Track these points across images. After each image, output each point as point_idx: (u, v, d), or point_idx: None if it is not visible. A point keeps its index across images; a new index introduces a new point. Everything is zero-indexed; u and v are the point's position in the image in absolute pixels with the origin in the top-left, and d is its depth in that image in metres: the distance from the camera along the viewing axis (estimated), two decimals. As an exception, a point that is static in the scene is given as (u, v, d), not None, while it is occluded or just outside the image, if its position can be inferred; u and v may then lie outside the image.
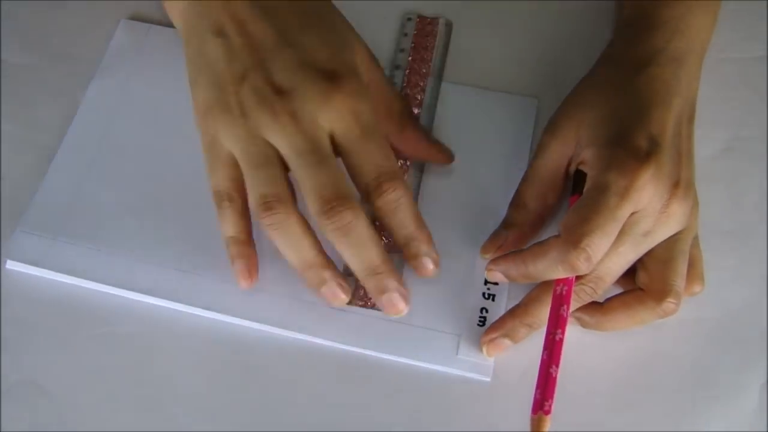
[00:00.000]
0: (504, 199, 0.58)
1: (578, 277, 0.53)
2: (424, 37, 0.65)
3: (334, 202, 0.50)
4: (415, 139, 0.59)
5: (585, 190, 0.52)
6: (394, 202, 0.52)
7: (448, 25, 0.66)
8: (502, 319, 0.54)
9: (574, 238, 0.51)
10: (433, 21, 0.66)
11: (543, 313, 0.53)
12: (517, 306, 0.54)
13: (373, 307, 0.55)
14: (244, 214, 0.54)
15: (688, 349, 0.55)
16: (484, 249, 0.56)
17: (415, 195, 0.59)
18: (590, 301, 0.54)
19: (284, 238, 0.52)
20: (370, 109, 0.53)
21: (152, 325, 0.55)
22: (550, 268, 0.52)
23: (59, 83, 0.63)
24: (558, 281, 0.53)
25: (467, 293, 0.56)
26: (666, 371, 0.55)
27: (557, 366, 0.51)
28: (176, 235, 0.58)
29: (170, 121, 0.61)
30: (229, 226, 0.54)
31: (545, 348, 0.51)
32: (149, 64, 0.63)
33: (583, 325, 0.55)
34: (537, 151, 0.57)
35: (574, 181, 0.55)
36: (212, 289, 0.56)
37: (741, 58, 0.61)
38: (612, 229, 0.51)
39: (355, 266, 0.52)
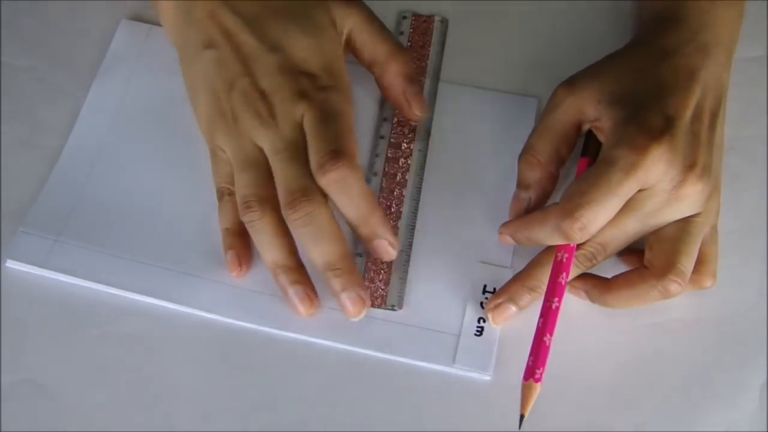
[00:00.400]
0: (504, 200, 0.58)
1: (580, 244, 0.53)
2: (420, 35, 0.65)
3: (297, 194, 0.53)
4: (395, 84, 0.59)
5: (596, 162, 0.53)
6: (339, 181, 0.53)
7: (444, 23, 0.66)
8: (507, 285, 0.55)
9: (570, 207, 0.51)
10: (428, 19, 0.66)
11: (546, 276, 0.53)
12: (521, 270, 0.55)
13: (379, 306, 0.55)
14: None
15: (688, 349, 0.55)
16: (511, 214, 0.57)
17: (416, 195, 0.59)
18: (589, 267, 0.54)
19: (259, 237, 0.54)
20: (343, 96, 0.56)
21: (152, 325, 0.55)
22: (548, 234, 0.53)
23: (60, 84, 0.63)
24: (559, 248, 0.53)
25: (467, 293, 0.56)
26: (666, 371, 0.55)
27: (551, 334, 0.51)
28: (177, 237, 0.58)
29: (171, 121, 0.61)
30: (226, 218, 0.57)
31: (541, 315, 0.52)
32: (150, 64, 0.64)
33: (592, 299, 0.55)
34: (549, 106, 0.56)
35: (585, 142, 0.55)
36: (213, 291, 0.56)
37: (741, 58, 0.60)
38: (611, 204, 0.51)
39: (316, 260, 0.54)
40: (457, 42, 0.65)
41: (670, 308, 0.56)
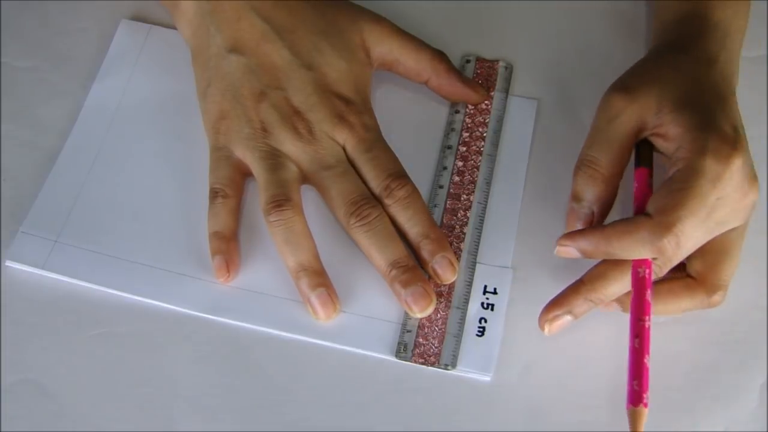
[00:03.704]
0: (504, 200, 0.58)
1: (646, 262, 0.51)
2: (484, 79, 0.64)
3: (361, 203, 0.55)
4: (449, 82, 0.62)
5: (677, 171, 0.51)
6: (405, 198, 0.56)
7: (509, 68, 0.65)
8: (564, 297, 0.52)
9: (668, 221, 0.49)
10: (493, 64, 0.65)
11: (608, 289, 0.52)
12: (580, 283, 0.52)
13: (432, 365, 0.54)
14: (234, 213, 0.57)
15: (688, 349, 0.55)
16: (570, 228, 0.54)
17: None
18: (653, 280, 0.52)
19: (286, 236, 0.55)
20: (375, 121, 0.59)
21: (152, 325, 0.55)
22: (635, 247, 0.50)
23: (60, 85, 0.63)
24: (638, 264, 0.51)
25: (467, 299, 0.56)
26: (666, 371, 0.55)
27: (648, 354, 0.50)
28: (177, 238, 0.58)
29: (171, 122, 0.61)
30: (216, 221, 0.56)
31: (635, 335, 0.50)
32: (150, 64, 0.64)
33: (625, 310, 0.53)
34: (606, 114, 0.53)
35: (639, 153, 0.54)
36: (212, 293, 0.56)
37: (741, 58, 0.61)
38: (704, 216, 0.50)
39: (381, 262, 0.55)
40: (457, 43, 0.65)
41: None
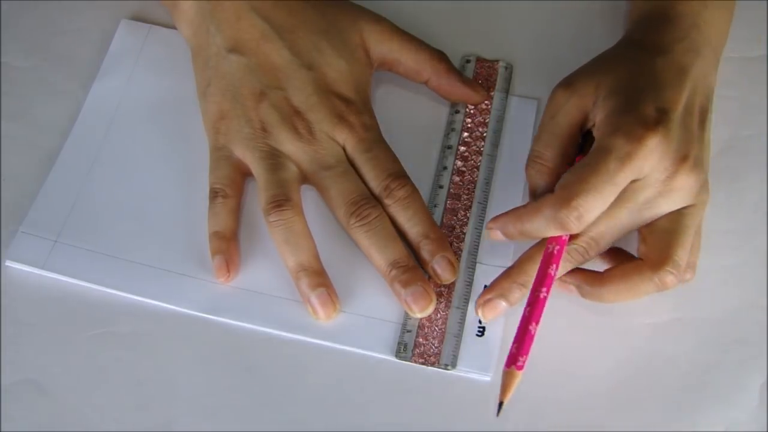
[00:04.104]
0: (504, 200, 0.58)
1: (572, 237, 0.52)
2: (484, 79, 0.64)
3: (361, 203, 0.55)
4: (449, 82, 0.62)
5: (589, 152, 0.52)
6: (405, 198, 0.56)
7: (509, 68, 0.65)
8: (497, 281, 0.54)
9: (567, 195, 0.51)
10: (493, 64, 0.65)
11: (536, 271, 0.53)
12: (511, 266, 0.54)
13: (433, 365, 0.55)
14: (234, 213, 0.57)
15: (688, 349, 0.55)
16: (495, 217, 0.55)
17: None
18: (581, 263, 0.54)
19: (286, 236, 0.55)
20: (375, 121, 0.59)
21: (152, 325, 0.55)
22: (543, 225, 0.52)
23: (60, 85, 0.63)
24: (550, 240, 0.52)
25: (467, 299, 0.56)
26: (666, 371, 0.55)
27: (537, 323, 0.51)
28: (177, 238, 0.58)
29: (171, 122, 0.61)
30: (216, 221, 0.57)
31: (528, 304, 0.51)
32: (150, 64, 0.64)
33: (583, 294, 0.55)
34: (550, 109, 0.55)
35: (584, 143, 0.55)
36: (212, 293, 0.56)
37: (741, 58, 0.61)
38: (608, 192, 0.51)
39: (381, 262, 0.55)
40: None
41: (669, 308, 0.56)
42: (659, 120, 0.51)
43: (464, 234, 0.58)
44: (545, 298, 0.51)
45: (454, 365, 0.54)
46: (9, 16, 0.65)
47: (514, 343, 0.51)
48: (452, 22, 0.66)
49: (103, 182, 0.59)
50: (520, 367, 0.50)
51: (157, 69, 0.63)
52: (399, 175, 0.57)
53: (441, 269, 0.55)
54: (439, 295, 0.56)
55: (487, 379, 0.54)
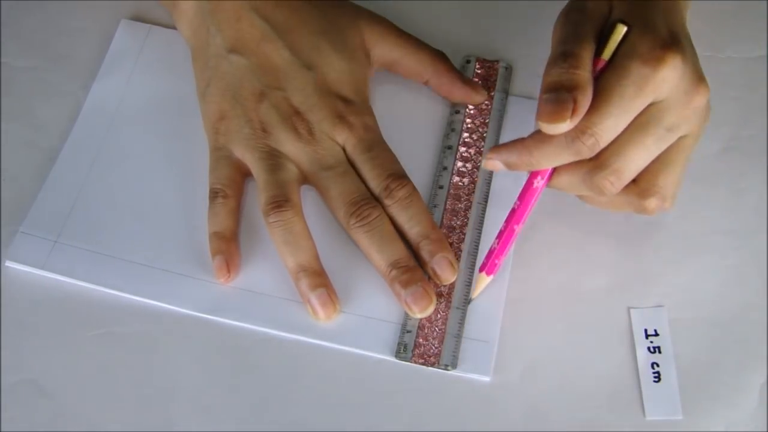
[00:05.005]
0: (504, 200, 0.58)
1: (597, 169, 0.50)
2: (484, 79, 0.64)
3: (361, 203, 0.55)
4: (450, 82, 0.61)
5: (605, 73, 0.49)
6: (404, 199, 0.56)
7: (509, 69, 0.65)
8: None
9: (582, 123, 0.49)
10: (493, 64, 0.65)
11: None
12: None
13: (433, 365, 0.55)
14: (234, 214, 0.57)
15: (688, 349, 0.55)
16: (496, 147, 0.53)
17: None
18: (611, 194, 0.51)
19: (286, 237, 0.55)
20: (375, 121, 0.59)
21: (152, 325, 0.55)
22: (553, 153, 0.50)
23: (60, 85, 0.63)
24: (535, 174, 0.52)
25: (467, 299, 0.56)
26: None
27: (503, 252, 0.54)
28: (177, 238, 0.58)
29: (171, 122, 0.61)
30: (216, 221, 0.56)
31: (498, 237, 0.54)
32: (150, 64, 0.64)
33: (589, 202, 0.54)
34: (574, 8, 0.52)
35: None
36: (211, 293, 0.56)
37: (741, 58, 0.61)
38: (624, 117, 0.49)
39: (381, 262, 0.55)
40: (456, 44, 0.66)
41: (669, 308, 0.56)
42: (675, 40, 0.49)
43: (464, 234, 0.58)
44: (517, 233, 0.54)
45: (454, 366, 0.54)
46: (9, 16, 0.65)
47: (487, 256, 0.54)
48: (452, 22, 0.66)
49: (103, 182, 0.59)
50: (490, 272, 0.54)
51: (157, 69, 0.63)
52: (399, 175, 0.57)
53: (441, 270, 0.55)
54: (439, 295, 0.56)
55: (487, 379, 0.54)
